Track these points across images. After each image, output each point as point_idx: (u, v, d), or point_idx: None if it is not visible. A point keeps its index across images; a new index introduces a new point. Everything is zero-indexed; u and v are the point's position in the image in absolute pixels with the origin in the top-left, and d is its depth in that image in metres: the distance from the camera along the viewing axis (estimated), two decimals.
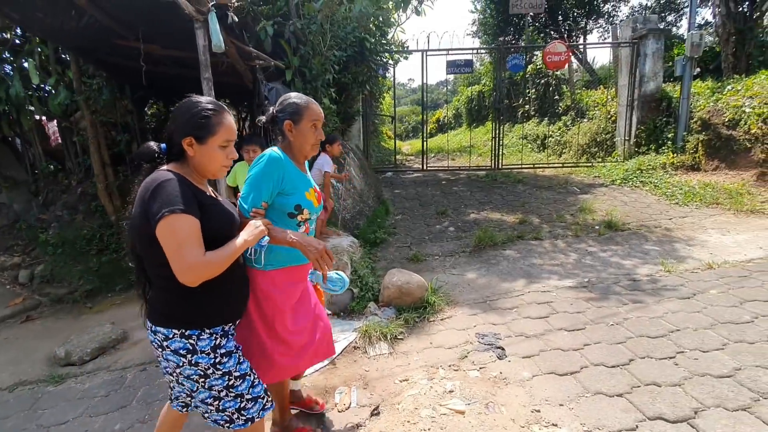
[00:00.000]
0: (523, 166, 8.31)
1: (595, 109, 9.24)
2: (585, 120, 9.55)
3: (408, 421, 2.07)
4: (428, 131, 27.75)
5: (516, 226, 5.40)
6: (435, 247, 4.94)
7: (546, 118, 11.20)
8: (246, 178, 1.72)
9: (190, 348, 1.41)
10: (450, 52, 7.77)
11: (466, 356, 2.70)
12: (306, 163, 1.92)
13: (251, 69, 3.73)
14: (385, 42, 10.27)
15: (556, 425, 2.00)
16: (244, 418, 1.52)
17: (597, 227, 5.15)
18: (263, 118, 1.84)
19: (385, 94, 20.55)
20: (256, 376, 1.58)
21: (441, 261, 4.57)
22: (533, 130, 11.40)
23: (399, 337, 3.05)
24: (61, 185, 5.26)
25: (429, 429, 2.01)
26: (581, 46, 12.73)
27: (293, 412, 2.22)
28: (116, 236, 4.74)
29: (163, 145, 1.47)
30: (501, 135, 8.09)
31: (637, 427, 1.94)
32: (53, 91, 4.98)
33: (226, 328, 1.51)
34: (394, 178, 8.41)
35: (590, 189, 6.77)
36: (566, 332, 2.87)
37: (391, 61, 11.88)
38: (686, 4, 12.80)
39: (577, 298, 3.41)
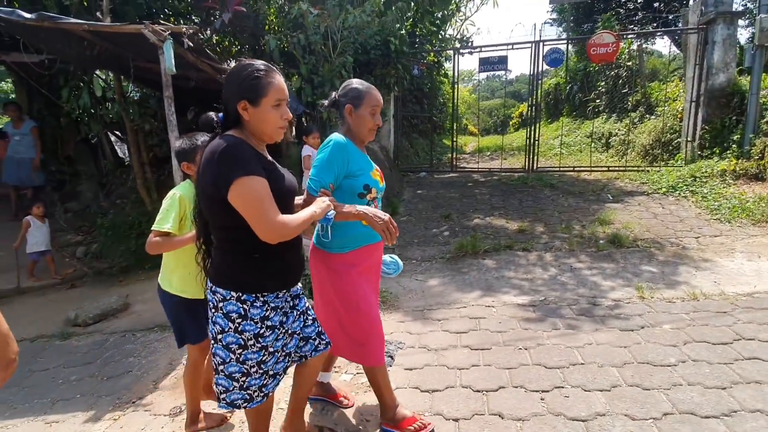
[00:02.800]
0: (562, 168, 7.67)
1: (665, 104, 8.08)
2: (653, 117, 8.42)
3: None
4: (511, 125, 26.44)
5: (514, 235, 5.14)
6: (418, 251, 4.97)
7: (614, 114, 10.07)
8: (314, 162, 1.83)
9: (242, 313, 1.44)
10: (483, 49, 7.48)
11: None
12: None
13: None
14: (425, 40, 10.21)
15: None
16: (263, 394, 1.55)
17: (601, 241, 4.67)
18: (326, 102, 1.97)
19: (452, 90, 20.04)
20: (282, 354, 1.60)
21: (415, 265, 4.60)
22: (600, 127, 10.34)
23: None
24: (121, 179, 6.41)
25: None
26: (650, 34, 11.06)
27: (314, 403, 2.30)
28: (151, 223, 5.64)
29: (220, 115, 1.49)
30: (537, 135, 7.56)
31: None
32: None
33: (281, 295, 1.54)
34: (425, 178, 8.40)
35: (626, 197, 6.05)
36: (468, 350, 2.81)
37: (443, 60, 11.75)
38: None
39: (513, 316, 3.25)
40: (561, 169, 7.65)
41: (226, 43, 7.79)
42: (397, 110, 8.08)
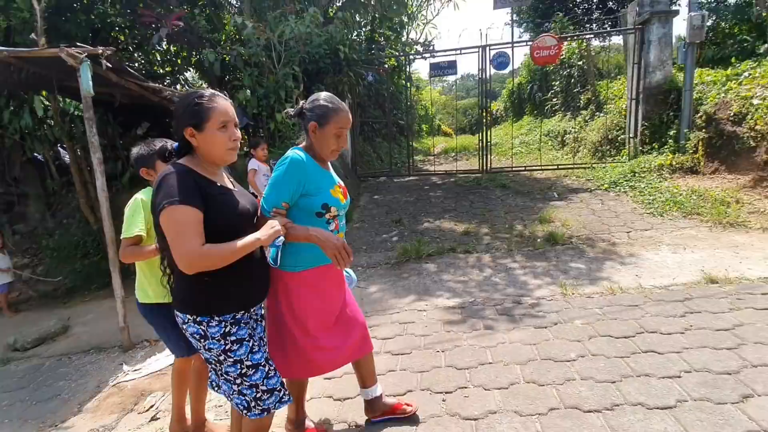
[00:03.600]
0: (514, 168, 7.85)
1: (612, 102, 8.35)
2: (602, 114, 8.69)
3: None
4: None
5: (459, 237, 5.26)
6: (365, 258, 5.03)
7: (569, 113, 10.35)
8: (270, 179, 1.76)
9: (202, 333, 1.49)
10: (434, 54, 7.62)
11: None
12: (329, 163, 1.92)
13: (168, 99, 4.19)
14: (385, 45, 10.30)
15: None
16: (260, 408, 1.58)
17: (538, 240, 4.82)
18: (291, 111, 1.85)
19: (405, 94, 19.92)
20: (271, 368, 1.62)
21: (360, 273, 4.65)
22: (556, 125, 10.62)
23: None
24: (68, 198, 6.31)
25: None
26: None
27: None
28: (96, 243, 5.58)
29: (176, 144, 1.56)
30: (489, 137, 7.73)
31: None
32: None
33: (238, 316, 1.54)
34: (383, 183, 8.47)
35: (570, 195, 6.24)
36: (389, 356, 2.88)
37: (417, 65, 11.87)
38: None
39: (440, 320, 3.33)
40: (514, 169, 7.83)
41: (185, 53, 7.76)
42: (353, 117, 8.15)
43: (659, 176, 5.89)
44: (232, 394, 1.59)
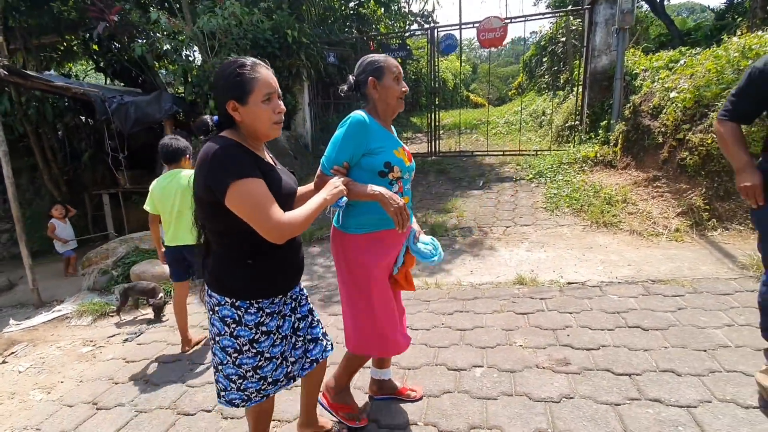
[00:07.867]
0: (462, 153, 7.80)
1: (577, 85, 7.93)
2: (573, 96, 8.28)
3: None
4: (510, 96, 25.64)
5: None
6: None
7: (551, 92, 9.89)
8: (331, 138, 1.73)
9: (237, 318, 1.43)
10: (384, 38, 7.60)
11: (113, 336, 3.47)
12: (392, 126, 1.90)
13: (86, 93, 4.77)
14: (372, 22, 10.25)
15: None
16: (261, 395, 1.53)
17: (424, 230, 5.01)
18: (344, 87, 1.84)
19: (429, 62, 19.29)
20: (283, 361, 1.56)
21: None
22: (540, 105, 10.22)
23: (110, 314, 3.94)
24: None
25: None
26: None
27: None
28: None
29: (215, 118, 1.46)
30: (438, 119, 7.71)
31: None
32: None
33: (277, 300, 1.51)
34: None
35: (495, 184, 6.24)
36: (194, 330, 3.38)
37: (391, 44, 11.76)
38: None
39: None
40: (461, 153, 7.80)
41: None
42: (313, 97, 8.41)
43: (579, 169, 5.73)
44: (229, 390, 1.50)
